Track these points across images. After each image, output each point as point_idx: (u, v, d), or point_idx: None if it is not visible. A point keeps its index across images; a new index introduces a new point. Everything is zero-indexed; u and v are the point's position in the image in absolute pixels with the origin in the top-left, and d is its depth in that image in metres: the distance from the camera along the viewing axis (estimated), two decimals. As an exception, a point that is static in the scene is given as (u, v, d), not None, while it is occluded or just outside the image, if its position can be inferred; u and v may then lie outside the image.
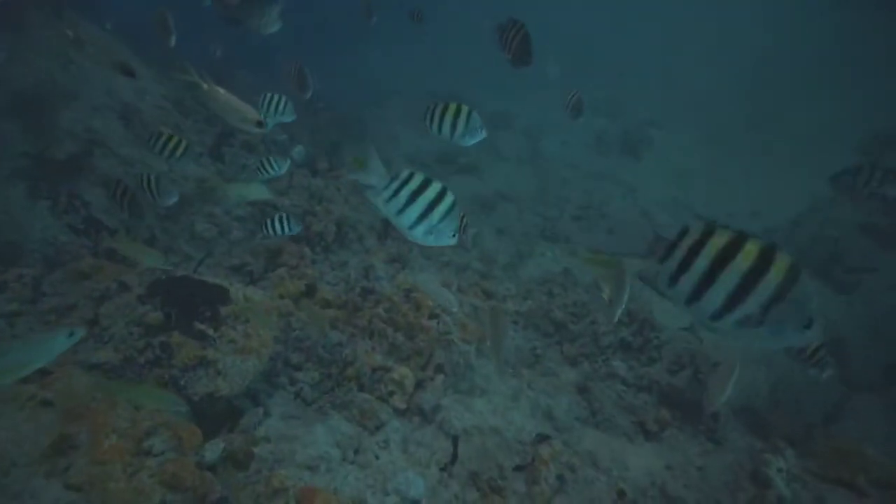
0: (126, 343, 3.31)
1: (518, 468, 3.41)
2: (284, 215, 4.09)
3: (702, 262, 1.52)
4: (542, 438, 3.51)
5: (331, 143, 9.25)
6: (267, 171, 4.12)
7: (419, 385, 4.08)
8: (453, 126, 2.73)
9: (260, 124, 2.56)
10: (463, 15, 21.08)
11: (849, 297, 7.29)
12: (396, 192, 1.91)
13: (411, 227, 1.94)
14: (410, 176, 1.91)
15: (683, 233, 1.58)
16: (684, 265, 1.56)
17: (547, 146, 12.33)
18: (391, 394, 3.90)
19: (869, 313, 6.82)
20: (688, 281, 1.55)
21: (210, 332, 3.49)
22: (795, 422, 5.12)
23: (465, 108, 2.73)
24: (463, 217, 4.64)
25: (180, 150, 3.55)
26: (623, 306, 2.83)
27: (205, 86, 2.55)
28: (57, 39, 5.70)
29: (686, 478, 3.79)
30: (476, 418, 3.97)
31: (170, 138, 3.55)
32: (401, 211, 1.92)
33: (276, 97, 3.71)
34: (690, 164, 10.87)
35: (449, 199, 1.91)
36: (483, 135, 2.79)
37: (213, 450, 2.92)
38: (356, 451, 3.48)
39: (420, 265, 6.39)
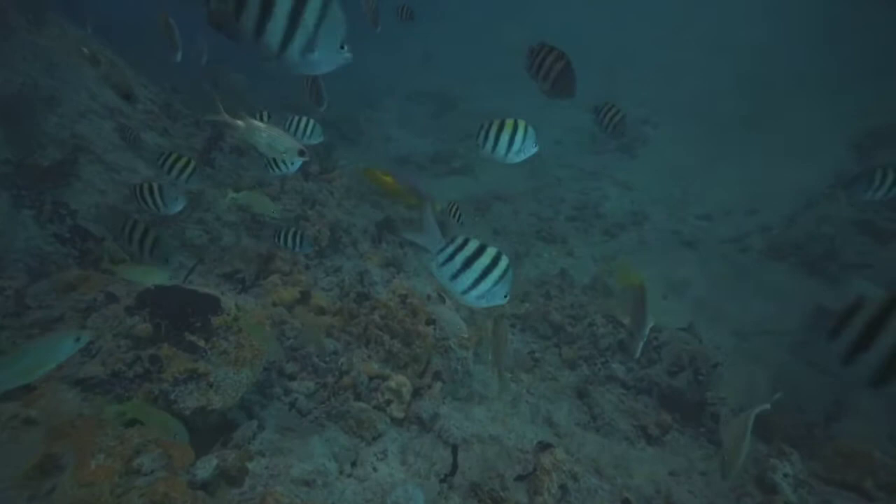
0: (114, 356, 3.21)
1: (519, 478, 3.34)
2: (299, 232, 3.99)
3: (889, 340, 1.34)
4: (544, 446, 3.44)
5: (323, 145, 9.13)
6: (279, 169, 4.03)
7: (417, 393, 4.02)
8: (510, 143, 2.62)
9: (302, 153, 2.48)
10: (458, 13, 21.01)
11: (846, 294, 7.27)
12: (451, 257, 1.93)
13: (464, 293, 1.96)
14: (465, 242, 1.93)
15: (856, 306, 1.42)
16: (862, 343, 1.39)
17: (541, 145, 12.26)
18: (388, 402, 3.83)
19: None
20: (871, 361, 1.38)
21: (201, 343, 3.40)
22: (796, 421, 5.08)
23: (522, 124, 2.63)
24: (459, 214, 4.59)
25: (188, 170, 3.48)
26: (644, 340, 2.74)
27: (241, 124, 2.45)
28: (41, 43, 5.56)
29: (690, 484, 3.73)
30: (475, 426, 3.90)
31: (178, 159, 3.49)
32: (454, 276, 1.94)
33: (302, 120, 3.66)
34: (686, 162, 10.84)
35: (503, 263, 1.92)
36: (535, 149, 2.70)
37: (205, 467, 2.82)
38: (353, 464, 3.40)
39: (415, 269, 6.31)
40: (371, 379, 3.90)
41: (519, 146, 2.63)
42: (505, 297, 1.98)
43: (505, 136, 2.62)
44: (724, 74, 13.83)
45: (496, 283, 1.92)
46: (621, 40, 17.67)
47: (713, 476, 3.80)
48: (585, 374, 5.08)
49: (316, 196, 6.25)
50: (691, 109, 12.48)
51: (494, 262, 1.91)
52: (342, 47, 1.53)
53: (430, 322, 4.49)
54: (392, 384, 3.86)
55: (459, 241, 1.93)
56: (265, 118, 3.85)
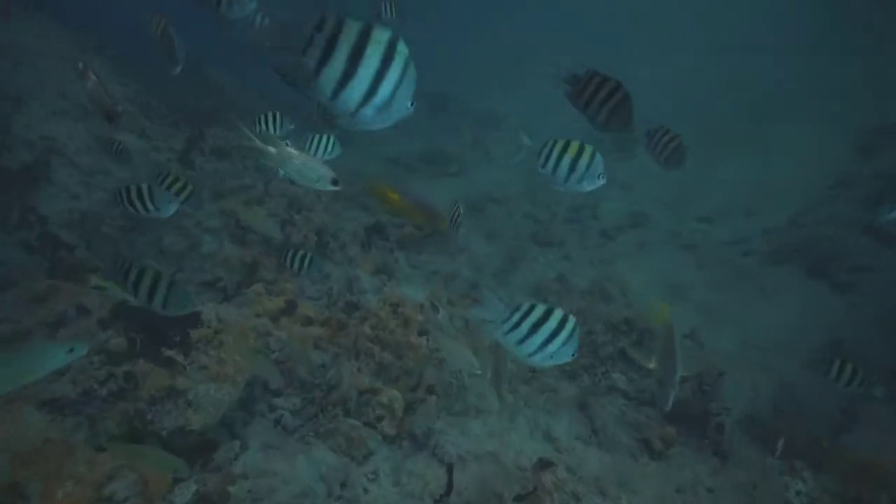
0: (85, 373, 3.09)
1: (518, 498, 3.26)
2: (308, 255, 3.89)
3: None
4: (544, 464, 3.36)
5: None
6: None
7: (409, 408, 3.92)
8: (572, 168, 2.48)
9: (336, 182, 2.46)
10: (456, 12, 20.97)
11: (849, 298, 7.28)
12: (517, 324, 2.03)
13: (531, 355, 2.06)
14: (531, 308, 2.03)
15: None
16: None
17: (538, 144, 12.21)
18: (380, 419, 3.74)
19: (871, 314, 6.80)
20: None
21: (180, 358, 3.30)
22: (802, 432, 5.04)
23: (588, 149, 2.50)
24: (458, 214, 4.53)
25: (184, 194, 3.45)
26: (676, 388, 2.65)
27: (273, 150, 2.42)
28: (7, 38, 5.41)
29: (697, 501, 3.67)
30: (471, 443, 3.82)
31: (175, 181, 3.45)
32: (521, 341, 2.03)
33: (322, 139, 3.74)
34: (686, 162, 10.84)
35: (570, 324, 2.02)
36: (602, 182, 2.57)
37: (183, 493, 2.72)
38: (343, 485, 3.30)
39: (406, 275, 6.22)
40: (361, 393, 3.80)
41: (581, 173, 2.49)
42: (573, 354, 2.09)
43: (566, 160, 2.48)
44: (725, 74, 13.87)
45: (564, 343, 2.02)
46: (619, 40, 17.70)
47: (721, 493, 3.74)
48: (586, 385, 5.00)
49: (302, 200, 6.13)
50: (692, 109, 12.50)
51: (562, 324, 2.01)
52: (411, 104, 1.54)
53: (423, 332, 4.40)
54: (383, 399, 3.77)
55: (525, 307, 2.03)
56: (278, 121, 3.79)
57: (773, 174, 9.99)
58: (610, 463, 3.95)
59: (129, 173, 4.96)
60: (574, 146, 2.50)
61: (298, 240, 5.51)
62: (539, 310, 2.02)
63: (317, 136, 3.73)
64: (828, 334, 6.53)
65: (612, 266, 7.90)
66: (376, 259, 5.98)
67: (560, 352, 2.05)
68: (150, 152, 5.59)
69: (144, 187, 3.26)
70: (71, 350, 2.04)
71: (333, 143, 3.77)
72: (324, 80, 1.40)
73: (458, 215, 4.05)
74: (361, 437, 3.56)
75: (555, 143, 2.52)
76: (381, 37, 1.37)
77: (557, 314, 2.02)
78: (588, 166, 2.49)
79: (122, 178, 4.90)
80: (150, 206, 3.27)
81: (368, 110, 1.47)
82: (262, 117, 3.78)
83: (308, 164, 2.40)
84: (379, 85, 1.43)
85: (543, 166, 2.53)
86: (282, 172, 2.45)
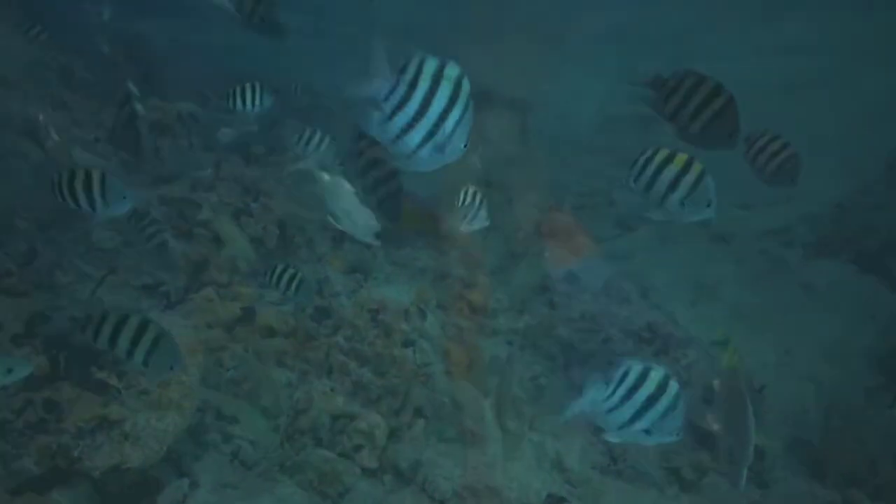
0: (-3, 402, 3.03)
1: (526, 541, 3.27)
2: (298, 275, 3.79)
3: None
4: (556, 500, 3.39)
5: (269, 121, 8.91)
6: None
7: (393, 435, 3.97)
8: (672, 186, 2.25)
9: (378, 236, 2.57)
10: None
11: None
12: (611, 394, 2.03)
13: (621, 427, 2.05)
14: (626, 372, 2.01)
15: None
16: None
17: (541, 121, 12.23)
18: (358, 448, 3.78)
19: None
20: None
21: (113, 381, 3.28)
22: (856, 454, 5.11)
23: (697, 166, 2.24)
24: (474, 199, 4.50)
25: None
26: (751, 460, 2.61)
27: (326, 177, 2.40)
28: None
29: (736, 541, 3.72)
30: (468, 475, 3.87)
31: None
32: (613, 410, 2.03)
33: (316, 135, 3.78)
34: (715, 139, 10.94)
35: (672, 390, 1.97)
36: (710, 213, 2.32)
37: (120, 545, 2.66)
38: (314, 530, 3.29)
39: (387, 274, 6.20)
40: (335, 418, 3.84)
41: (683, 194, 2.25)
42: (678, 434, 2.05)
43: (667, 177, 2.26)
44: (758, 45, 13.99)
45: (664, 415, 1.97)
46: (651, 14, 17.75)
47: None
48: (602, 404, 5.03)
49: (260, 185, 6.08)
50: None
51: (662, 388, 1.97)
52: (465, 146, 1.66)
53: (409, 343, 4.42)
54: (362, 424, 3.82)
55: (620, 372, 2.01)
56: (257, 93, 3.82)
57: (819, 152, 10.09)
58: (633, 496, 4.00)
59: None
60: (680, 159, 2.26)
61: (256, 234, 5.45)
62: (634, 371, 1.99)
63: (307, 134, 3.74)
64: (884, 341, 6.62)
65: (630, 262, 7.95)
66: (350, 255, 5.96)
67: (663, 424, 2.02)
68: (72, 128, 5.49)
69: (96, 175, 2.96)
70: (9, 370, 2.03)
71: (329, 142, 3.80)
72: (396, 123, 1.57)
73: (474, 201, 3.97)
74: (336, 471, 3.60)
75: (655, 152, 2.29)
76: (451, 73, 1.53)
77: (655, 376, 1.98)
78: (693, 187, 2.24)
79: (40, 161, 4.81)
80: (99, 202, 3.00)
81: (425, 152, 1.63)
82: (239, 90, 3.71)
83: (358, 210, 2.44)
84: (440, 126, 1.59)
85: (636, 180, 2.32)
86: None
